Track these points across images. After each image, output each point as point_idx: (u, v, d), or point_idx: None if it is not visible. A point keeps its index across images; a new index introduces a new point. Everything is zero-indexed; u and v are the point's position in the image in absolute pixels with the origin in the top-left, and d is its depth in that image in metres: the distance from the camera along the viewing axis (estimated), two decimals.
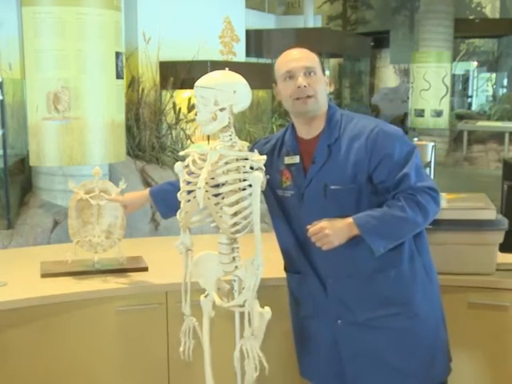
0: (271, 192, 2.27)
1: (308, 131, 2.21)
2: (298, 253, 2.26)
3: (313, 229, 2.05)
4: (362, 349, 2.18)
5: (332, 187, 2.13)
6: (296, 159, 2.22)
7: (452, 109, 13.65)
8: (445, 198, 2.72)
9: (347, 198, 2.11)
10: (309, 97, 2.12)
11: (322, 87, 2.16)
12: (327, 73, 2.28)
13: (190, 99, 5.64)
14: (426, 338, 2.18)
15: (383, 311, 2.15)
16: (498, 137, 12.36)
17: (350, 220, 2.05)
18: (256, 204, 2.07)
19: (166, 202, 2.43)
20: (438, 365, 2.22)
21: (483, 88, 17.65)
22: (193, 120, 5.49)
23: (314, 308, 2.27)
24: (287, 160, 2.24)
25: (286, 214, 2.26)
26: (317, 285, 2.22)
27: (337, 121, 2.19)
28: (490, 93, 17.43)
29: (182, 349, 2.33)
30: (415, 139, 8.74)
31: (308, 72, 2.13)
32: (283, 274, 2.58)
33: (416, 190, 2.05)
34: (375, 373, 2.18)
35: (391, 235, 2.06)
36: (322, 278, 2.21)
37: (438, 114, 12.05)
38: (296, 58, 2.15)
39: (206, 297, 2.28)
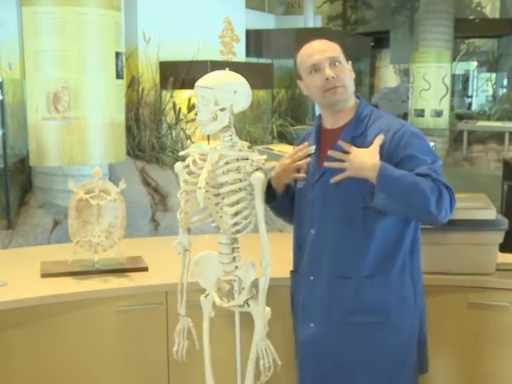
0: (296, 186, 2.24)
1: (334, 122, 2.18)
2: (299, 247, 2.24)
3: (336, 154, 1.98)
4: (326, 353, 2.13)
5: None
6: (312, 149, 2.19)
7: (452, 109, 13.64)
8: None
9: (357, 190, 2.05)
10: (337, 87, 2.10)
11: (349, 75, 2.14)
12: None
13: (190, 99, 5.64)
14: (396, 350, 2.11)
15: (360, 318, 2.09)
16: (497, 137, 12.34)
17: (377, 163, 1.96)
18: (259, 204, 2.07)
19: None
20: (403, 378, 2.15)
21: (483, 88, 17.64)
22: (193, 120, 5.49)
23: (297, 309, 2.25)
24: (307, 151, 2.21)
25: (298, 205, 2.23)
26: (304, 283, 2.19)
27: (366, 115, 2.15)
28: (490, 93, 17.42)
29: (175, 349, 2.33)
30: None
31: (333, 62, 2.11)
32: (283, 274, 2.58)
33: (441, 184, 1.99)
34: (334, 380, 2.13)
35: (398, 197, 1.96)
36: (307, 276, 2.18)
37: (438, 114, 12.04)
38: (319, 50, 2.12)
39: (206, 297, 2.29)
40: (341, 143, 2.03)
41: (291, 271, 2.34)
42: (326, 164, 2.04)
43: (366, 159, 1.97)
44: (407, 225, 2.12)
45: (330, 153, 2.04)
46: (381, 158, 2.01)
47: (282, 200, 2.28)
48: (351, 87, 2.15)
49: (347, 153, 2.00)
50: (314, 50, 2.14)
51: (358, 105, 2.18)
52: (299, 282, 2.24)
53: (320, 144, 2.20)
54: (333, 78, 2.08)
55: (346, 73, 2.13)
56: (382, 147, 2.02)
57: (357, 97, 2.21)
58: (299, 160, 2.18)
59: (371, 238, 2.08)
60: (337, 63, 2.11)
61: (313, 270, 2.16)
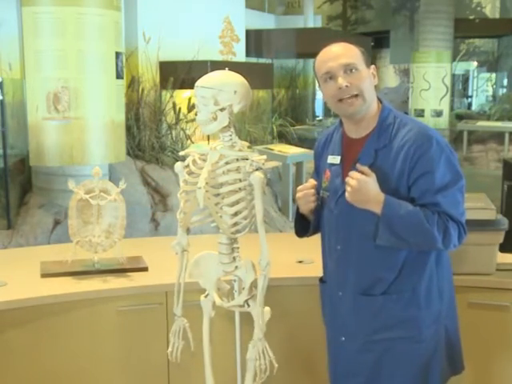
0: (318, 192, 2.18)
1: (356, 131, 2.07)
2: (326, 259, 2.20)
3: (351, 174, 1.93)
4: (357, 368, 2.10)
5: None
6: (337, 160, 2.10)
7: (452, 109, 13.66)
8: None
9: None
10: (354, 96, 1.97)
11: (368, 83, 2.00)
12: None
13: (190, 99, 5.64)
14: (422, 362, 2.08)
15: (389, 334, 2.05)
16: (498, 137, 12.35)
17: (381, 199, 1.91)
18: (258, 204, 2.07)
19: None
20: None
21: (483, 88, 17.66)
22: (193, 120, 5.50)
23: (330, 320, 2.22)
24: (330, 159, 2.13)
25: (323, 215, 2.17)
26: (333, 297, 2.16)
27: (389, 124, 2.02)
28: (490, 93, 17.44)
29: (170, 349, 2.32)
30: None
31: (349, 69, 1.97)
32: (283, 274, 2.58)
33: (447, 218, 1.95)
34: None
35: (402, 236, 1.94)
36: (337, 290, 2.14)
37: (438, 114, 12.05)
38: (334, 56, 1.99)
39: (206, 297, 2.28)
40: (358, 166, 1.96)
41: (320, 280, 2.28)
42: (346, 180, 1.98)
43: (369, 194, 1.92)
44: None
45: (351, 174, 1.97)
46: (402, 177, 1.96)
47: (315, 228, 2.23)
48: (370, 95, 2.00)
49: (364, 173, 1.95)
50: (328, 55, 2.01)
51: (381, 112, 2.05)
52: (327, 293, 2.20)
53: (343, 154, 2.11)
54: (346, 86, 1.96)
55: (364, 80, 1.98)
56: (403, 164, 1.96)
57: (380, 100, 2.09)
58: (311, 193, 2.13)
59: (396, 256, 2.03)
60: (353, 70, 1.97)
61: (341, 285, 2.12)
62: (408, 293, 2.04)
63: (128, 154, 4.82)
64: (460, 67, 16.18)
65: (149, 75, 5.73)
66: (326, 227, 2.16)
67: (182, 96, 5.88)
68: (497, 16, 16.57)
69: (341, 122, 2.15)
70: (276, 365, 2.14)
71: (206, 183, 2.07)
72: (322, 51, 2.05)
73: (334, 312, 2.16)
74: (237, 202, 2.11)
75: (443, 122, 12.10)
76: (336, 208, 2.09)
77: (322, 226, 2.19)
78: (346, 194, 1.97)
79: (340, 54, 2.00)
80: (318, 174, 2.23)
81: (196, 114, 2.12)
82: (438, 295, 2.09)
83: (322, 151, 2.22)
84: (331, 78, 2.00)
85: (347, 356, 2.13)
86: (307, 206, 2.14)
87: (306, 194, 2.12)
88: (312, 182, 2.15)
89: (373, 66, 2.05)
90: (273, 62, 9.15)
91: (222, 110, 2.05)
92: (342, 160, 2.10)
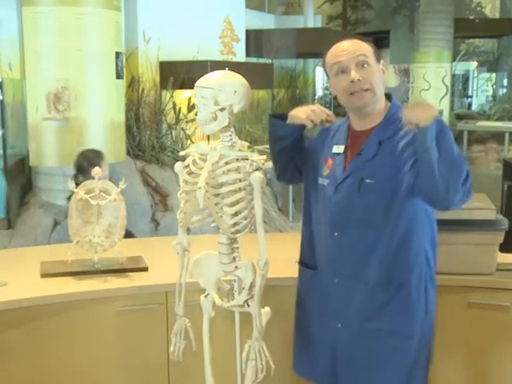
0: (313, 178, 2.20)
1: (363, 124, 2.12)
2: (320, 245, 2.22)
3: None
4: (356, 355, 2.14)
5: (367, 181, 2.03)
6: (341, 149, 2.13)
7: (452, 109, 13.66)
8: None
9: (380, 195, 2.02)
10: (365, 90, 2.02)
11: (378, 78, 2.05)
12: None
13: (190, 99, 5.64)
14: (411, 358, 2.12)
15: (381, 324, 2.09)
16: (498, 137, 12.36)
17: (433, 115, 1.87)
18: (258, 204, 2.07)
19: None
20: (415, 380, 2.16)
21: (483, 88, 17.66)
22: (193, 120, 5.50)
23: (320, 307, 2.24)
24: (334, 149, 2.16)
25: (318, 202, 2.20)
26: (328, 283, 2.18)
27: (396, 119, 2.02)
28: (490, 93, 17.44)
29: (172, 349, 2.33)
30: None
31: (360, 63, 2.02)
32: (283, 274, 2.58)
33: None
34: (366, 380, 2.15)
35: (446, 146, 1.92)
36: (332, 277, 2.16)
37: (438, 114, 12.06)
38: (346, 50, 2.04)
39: (206, 297, 2.28)
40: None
41: (303, 266, 2.30)
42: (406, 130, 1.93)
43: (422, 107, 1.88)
44: (426, 235, 2.11)
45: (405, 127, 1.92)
46: (404, 163, 1.98)
47: (286, 139, 2.21)
48: (380, 90, 2.06)
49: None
50: (340, 49, 2.05)
51: (390, 107, 2.11)
52: (319, 280, 2.22)
53: (347, 145, 2.15)
54: (358, 80, 2.01)
55: (375, 75, 2.04)
56: (405, 151, 1.99)
57: (389, 97, 2.13)
58: (320, 119, 2.08)
59: (393, 246, 2.06)
60: (365, 65, 2.03)
61: (338, 272, 2.14)
62: (401, 286, 2.08)
63: (128, 154, 4.83)
64: (460, 67, 16.18)
65: (149, 75, 5.73)
66: (321, 214, 2.19)
67: (181, 96, 5.88)
68: (497, 16, 16.58)
69: (348, 117, 2.19)
70: (273, 366, 2.14)
71: (206, 183, 2.07)
72: (334, 46, 2.09)
73: (328, 299, 2.18)
74: (237, 202, 2.11)
75: None
76: (335, 195, 2.12)
77: (317, 213, 2.22)
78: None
79: (352, 48, 2.04)
80: (307, 149, 2.24)
81: (196, 114, 2.12)
82: (426, 292, 2.13)
83: (326, 138, 2.23)
84: (343, 71, 2.04)
85: (345, 342, 2.16)
86: (308, 117, 2.08)
87: (319, 112, 2.08)
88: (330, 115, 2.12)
89: (382, 62, 2.08)
90: (273, 62, 9.14)
91: (222, 109, 2.05)
92: (345, 150, 2.14)
